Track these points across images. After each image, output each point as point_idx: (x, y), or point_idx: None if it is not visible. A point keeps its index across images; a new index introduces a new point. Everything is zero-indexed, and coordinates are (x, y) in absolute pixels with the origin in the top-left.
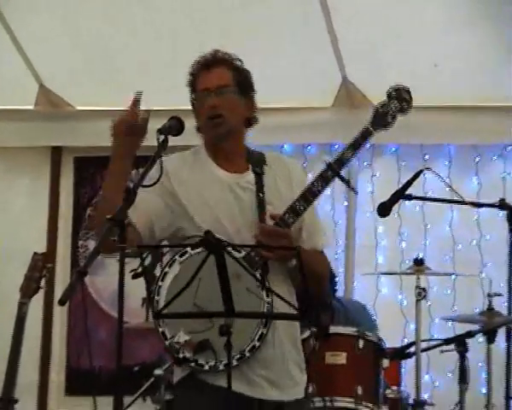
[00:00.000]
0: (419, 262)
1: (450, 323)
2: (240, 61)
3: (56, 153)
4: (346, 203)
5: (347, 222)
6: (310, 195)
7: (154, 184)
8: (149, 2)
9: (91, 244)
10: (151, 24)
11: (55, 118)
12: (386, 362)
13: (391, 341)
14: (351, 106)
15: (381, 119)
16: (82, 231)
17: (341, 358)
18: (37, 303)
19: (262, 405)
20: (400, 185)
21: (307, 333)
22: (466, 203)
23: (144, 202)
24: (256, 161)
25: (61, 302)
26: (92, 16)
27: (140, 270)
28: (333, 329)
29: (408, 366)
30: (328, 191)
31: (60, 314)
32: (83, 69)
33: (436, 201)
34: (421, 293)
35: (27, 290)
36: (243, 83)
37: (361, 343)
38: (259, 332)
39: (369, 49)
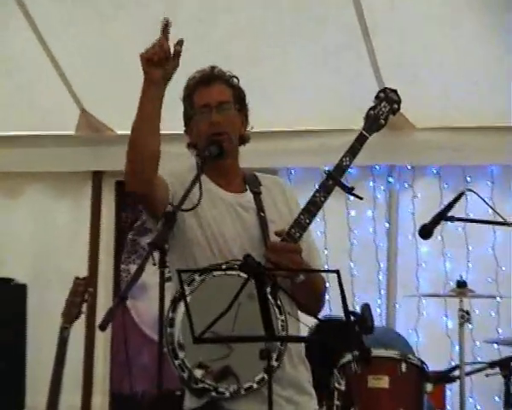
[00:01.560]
0: (462, 284)
1: (495, 346)
2: (236, 78)
3: (97, 177)
4: (387, 225)
5: (389, 244)
6: (313, 207)
7: (194, 208)
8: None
9: (133, 268)
10: (194, 48)
11: (96, 143)
12: (429, 386)
13: (436, 364)
14: (391, 128)
15: (374, 122)
16: (124, 255)
17: (384, 381)
18: (79, 327)
19: None
20: (442, 207)
21: (349, 357)
22: (509, 224)
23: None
24: (252, 181)
25: (102, 328)
26: (133, 41)
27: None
28: (375, 352)
29: (453, 389)
30: (369, 213)
31: (103, 338)
32: (123, 93)
33: (478, 222)
34: (465, 316)
35: (69, 315)
36: (240, 100)
37: (404, 367)
38: (276, 353)
39: (408, 70)
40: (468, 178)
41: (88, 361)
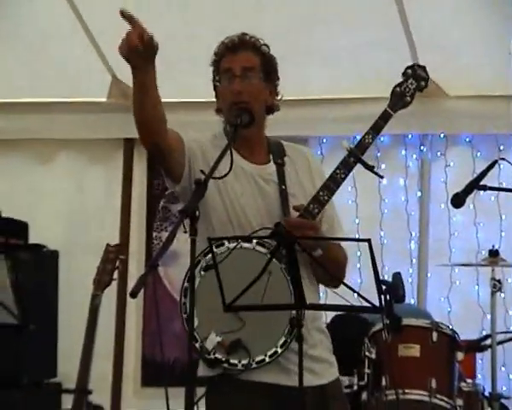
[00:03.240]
0: (494, 254)
1: None
2: (267, 46)
3: (129, 144)
4: (419, 194)
5: (420, 213)
6: (333, 183)
7: (225, 176)
8: None
9: (165, 236)
10: (215, 15)
11: (127, 110)
12: (460, 355)
13: (467, 333)
14: (424, 96)
15: (400, 99)
16: (156, 223)
17: (415, 350)
18: (111, 294)
19: (302, 392)
20: (475, 176)
21: (380, 325)
22: None
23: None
24: (276, 152)
25: (132, 295)
26: (165, 7)
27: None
28: (406, 321)
29: (484, 358)
30: (401, 182)
31: (135, 306)
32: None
33: (511, 191)
34: (497, 285)
35: (100, 282)
36: (269, 68)
37: (435, 336)
38: (289, 326)
39: (441, 38)
40: (501, 147)
41: (119, 328)
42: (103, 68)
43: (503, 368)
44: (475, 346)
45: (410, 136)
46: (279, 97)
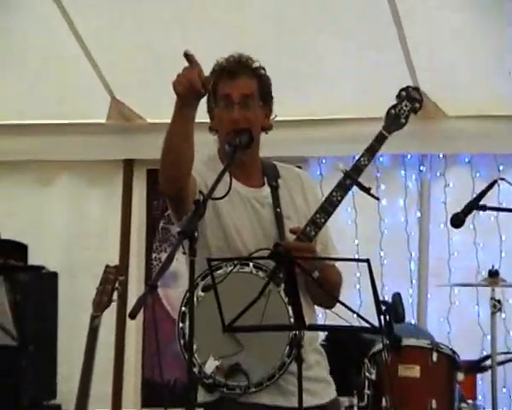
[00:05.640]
0: (494, 274)
1: None
2: (263, 68)
3: (128, 166)
4: (418, 215)
5: (420, 233)
6: (329, 205)
7: (224, 197)
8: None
9: (164, 257)
10: (222, 34)
11: (126, 131)
12: (461, 375)
13: (467, 353)
14: (422, 117)
15: (394, 121)
16: (155, 244)
17: (415, 371)
18: (110, 316)
19: None
20: (474, 196)
21: (379, 346)
22: None
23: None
24: (270, 174)
25: (132, 316)
26: (165, 27)
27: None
28: (405, 341)
29: (485, 379)
30: (400, 202)
31: (135, 327)
32: (154, 81)
33: (511, 211)
34: (496, 305)
35: (99, 303)
36: (265, 91)
37: (435, 356)
38: (287, 349)
39: (440, 58)
40: (501, 167)
41: (119, 349)
42: (103, 89)
43: (504, 389)
44: (476, 367)
45: (409, 156)
46: (273, 117)
